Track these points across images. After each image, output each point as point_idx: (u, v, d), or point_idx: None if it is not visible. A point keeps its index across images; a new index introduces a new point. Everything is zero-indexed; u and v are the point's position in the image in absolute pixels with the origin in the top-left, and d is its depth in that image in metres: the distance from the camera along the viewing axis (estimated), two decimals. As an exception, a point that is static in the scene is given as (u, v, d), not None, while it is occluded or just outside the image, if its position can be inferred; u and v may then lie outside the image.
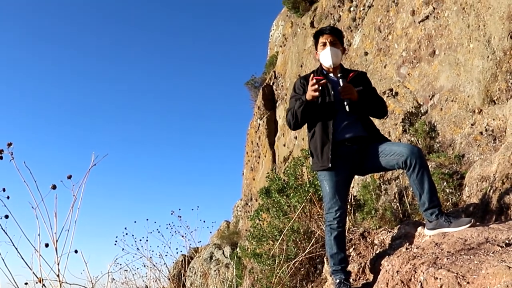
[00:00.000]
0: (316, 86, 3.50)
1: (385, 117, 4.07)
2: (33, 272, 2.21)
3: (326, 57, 3.77)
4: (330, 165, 3.51)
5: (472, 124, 5.86)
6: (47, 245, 2.34)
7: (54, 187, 2.03)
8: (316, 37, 3.93)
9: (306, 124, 3.83)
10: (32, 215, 2.27)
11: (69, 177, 2.14)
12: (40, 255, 2.06)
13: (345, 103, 3.55)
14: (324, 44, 3.81)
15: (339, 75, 3.63)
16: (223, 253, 17.36)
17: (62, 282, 2.12)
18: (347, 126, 3.63)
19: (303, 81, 3.85)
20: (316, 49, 3.94)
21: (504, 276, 2.20)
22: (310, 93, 3.53)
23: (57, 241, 2.08)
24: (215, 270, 16.31)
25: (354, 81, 3.71)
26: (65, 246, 2.13)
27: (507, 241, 2.70)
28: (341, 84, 3.57)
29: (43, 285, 2.10)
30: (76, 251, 2.67)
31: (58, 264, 2.14)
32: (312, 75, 3.81)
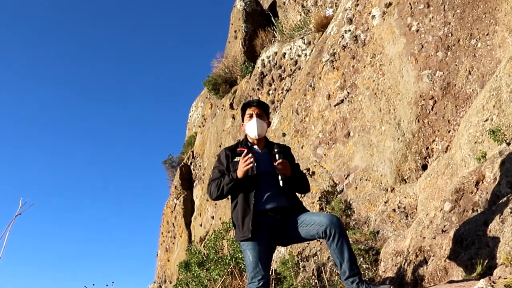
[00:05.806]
0: (248, 162, 3.54)
1: (307, 192, 4.17)
2: None
3: (252, 128, 3.86)
4: (250, 236, 3.51)
5: (385, 202, 6.12)
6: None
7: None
8: (244, 109, 4.03)
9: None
10: None
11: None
12: None
13: (280, 178, 3.63)
14: (251, 116, 3.91)
15: (276, 150, 3.70)
16: None
17: None
18: (270, 197, 3.68)
19: (228, 152, 3.87)
20: (243, 120, 4.03)
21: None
22: (242, 169, 3.57)
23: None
24: None
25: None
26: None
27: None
28: (277, 159, 3.65)
29: None
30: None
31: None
32: (237, 147, 3.89)
